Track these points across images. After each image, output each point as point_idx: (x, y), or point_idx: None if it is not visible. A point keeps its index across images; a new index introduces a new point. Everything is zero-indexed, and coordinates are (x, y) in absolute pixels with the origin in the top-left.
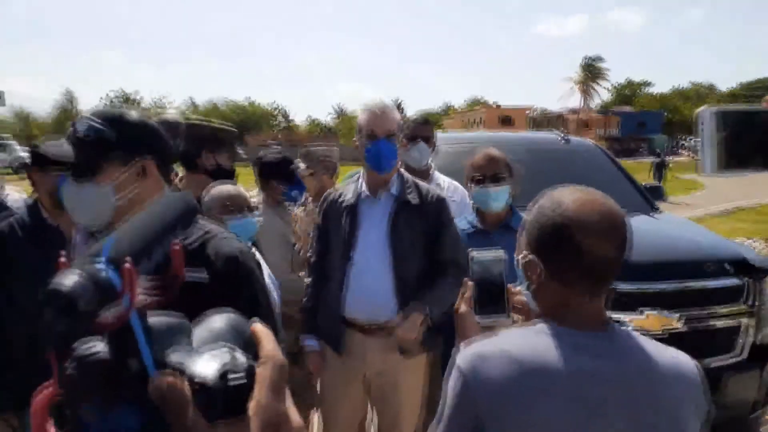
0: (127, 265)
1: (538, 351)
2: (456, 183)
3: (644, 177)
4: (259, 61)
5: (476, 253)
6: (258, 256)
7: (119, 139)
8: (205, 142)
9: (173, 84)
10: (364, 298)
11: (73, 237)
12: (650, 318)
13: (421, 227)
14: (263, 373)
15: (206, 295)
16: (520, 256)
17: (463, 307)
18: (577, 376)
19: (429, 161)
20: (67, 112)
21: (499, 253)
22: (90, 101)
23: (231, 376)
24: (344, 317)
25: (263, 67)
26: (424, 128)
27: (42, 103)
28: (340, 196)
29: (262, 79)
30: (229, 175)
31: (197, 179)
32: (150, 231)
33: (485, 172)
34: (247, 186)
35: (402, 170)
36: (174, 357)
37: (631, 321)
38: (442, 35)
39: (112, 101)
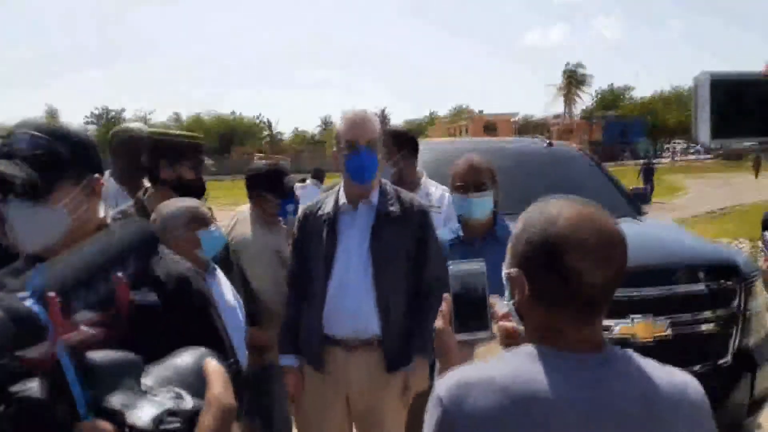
0: (51, 296)
1: (526, 378)
2: (446, 190)
3: (630, 181)
4: (244, 73)
5: (454, 266)
6: (220, 274)
7: (72, 156)
8: (163, 153)
9: (158, 99)
10: (346, 314)
11: None
12: (638, 325)
13: (403, 239)
14: (206, 419)
15: (157, 317)
16: (503, 268)
17: (440, 324)
18: (571, 405)
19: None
20: None
21: (478, 265)
22: (73, 119)
23: (167, 419)
24: (325, 334)
25: (248, 78)
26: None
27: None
28: (317, 207)
29: (249, 91)
30: (195, 188)
31: (162, 194)
32: (91, 262)
33: (467, 181)
34: (226, 198)
35: (383, 180)
36: (114, 400)
37: (618, 327)
38: (425, 45)
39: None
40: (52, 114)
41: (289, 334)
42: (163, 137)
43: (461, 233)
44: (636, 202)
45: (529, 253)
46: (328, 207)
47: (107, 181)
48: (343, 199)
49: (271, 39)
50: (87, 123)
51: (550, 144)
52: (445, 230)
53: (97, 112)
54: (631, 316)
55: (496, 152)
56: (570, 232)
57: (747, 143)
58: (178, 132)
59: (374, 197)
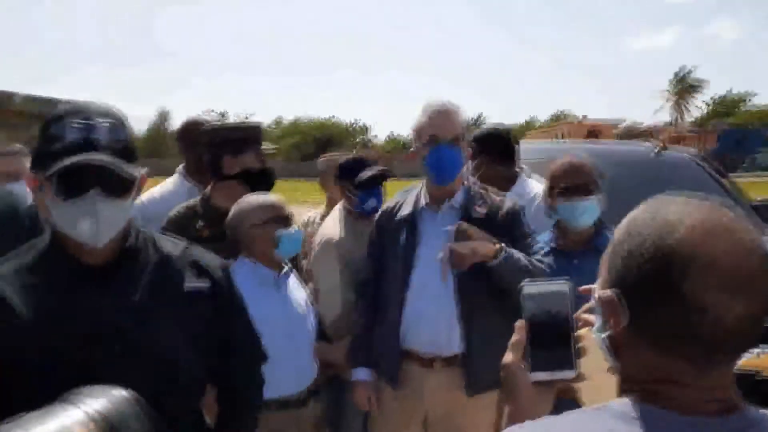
0: None
1: None
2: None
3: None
4: (346, 79)
5: (529, 285)
6: (293, 277)
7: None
8: (224, 145)
9: (263, 102)
10: (424, 326)
11: None
12: (766, 357)
13: None
14: None
15: (207, 304)
16: (596, 287)
17: (511, 358)
18: None
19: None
20: (159, 131)
21: (561, 287)
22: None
23: None
24: (401, 347)
25: (349, 83)
26: None
27: (140, 123)
28: (396, 207)
29: (349, 96)
30: (264, 177)
31: (227, 188)
32: None
33: (571, 182)
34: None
35: (470, 179)
36: None
37: (739, 360)
38: (526, 48)
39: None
40: (163, 116)
41: (361, 345)
42: (220, 129)
43: (555, 243)
44: (760, 219)
45: (633, 270)
46: (407, 207)
47: (180, 178)
48: (424, 200)
49: (372, 45)
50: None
51: (661, 150)
52: (540, 241)
53: (203, 115)
54: (757, 348)
55: (597, 157)
56: (696, 245)
57: None
58: (234, 123)
59: (458, 198)
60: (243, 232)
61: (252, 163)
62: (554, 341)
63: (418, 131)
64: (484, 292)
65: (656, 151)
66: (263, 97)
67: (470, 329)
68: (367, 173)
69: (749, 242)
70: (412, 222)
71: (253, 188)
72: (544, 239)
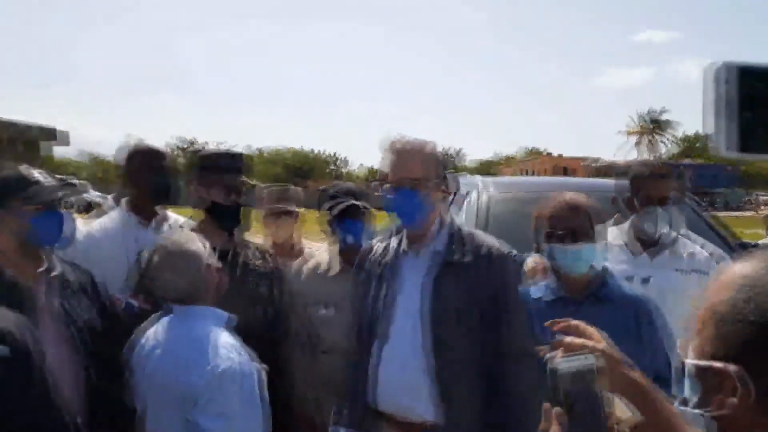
0: None
1: None
2: (710, 249)
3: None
4: (323, 109)
5: (563, 363)
6: None
7: None
8: (197, 174)
9: (241, 133)
10: (396, 386)
11: (39, 296)
12: None
13: (473, 294)
14: None
15: (5, 375)
16: (690, 356)
17: None
18: None
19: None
20: None
21: (587, 361)
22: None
23: None
24: (371, 407)
25: (330, 115)
26: (659, 185)
27: (112, 148)
28: (376, 250)
29: (329, 127)
30: (231, 215)
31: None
32: None
33: (568, 225)
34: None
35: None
36: None
37: None
38: (496, 84)
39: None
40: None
41: (347, 401)
42: (192, 155)
43: (559, 291)
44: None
45: (762, 340)
46: (388, 251)
47: (114, 209)
48: (404, 241)
49: (355, 78)
50: (174, 152)
51: None
52: (540, 287)
53: (172, 141)
54: None
55: (587, 192)
56: None
57: None
58: (214, 150)
59: (439, 242)
60: None
61: (223, 197)
62: (591, 426)
63: (382, 170)
64: (464, 354)
65: None
66: (236, 128)
67: (447, 396)
68: (337, 206)
69: None
70: (389, 268)
71: (222, 223)
72: (548, 285)
